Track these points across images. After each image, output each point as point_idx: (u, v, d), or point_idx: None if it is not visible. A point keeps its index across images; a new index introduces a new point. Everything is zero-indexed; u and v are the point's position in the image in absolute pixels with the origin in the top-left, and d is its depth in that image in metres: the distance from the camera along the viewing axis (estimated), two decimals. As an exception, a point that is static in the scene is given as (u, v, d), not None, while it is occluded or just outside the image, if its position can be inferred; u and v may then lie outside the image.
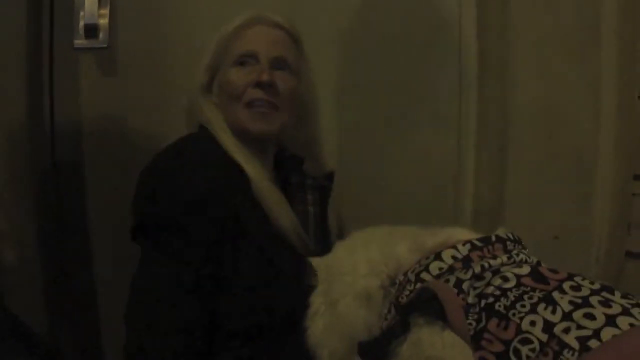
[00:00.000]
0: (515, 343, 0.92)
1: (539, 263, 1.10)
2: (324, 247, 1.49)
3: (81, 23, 2.01)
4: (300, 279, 1.41)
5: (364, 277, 1.18)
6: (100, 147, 2.07)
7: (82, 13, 2.00)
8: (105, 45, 2.02)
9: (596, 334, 0.88)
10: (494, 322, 0.96)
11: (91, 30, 1.99)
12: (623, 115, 2.07)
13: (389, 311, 1.13)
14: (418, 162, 2.11)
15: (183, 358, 1.33)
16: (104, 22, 2.01)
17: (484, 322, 0.97)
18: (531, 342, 0.91)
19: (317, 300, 1.25)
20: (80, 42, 2.02)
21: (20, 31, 2.01)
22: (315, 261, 1.30)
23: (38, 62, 2.02)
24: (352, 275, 1.20)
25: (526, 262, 1.08)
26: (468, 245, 1.10)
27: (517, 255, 1.10)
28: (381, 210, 2.05)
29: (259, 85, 1.50)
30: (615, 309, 0.91)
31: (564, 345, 0.88)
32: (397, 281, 1.14)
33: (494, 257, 1.07)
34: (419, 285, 1.09)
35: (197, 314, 1.36)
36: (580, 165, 2.14)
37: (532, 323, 0.92)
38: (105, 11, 2.01)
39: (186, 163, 1.42)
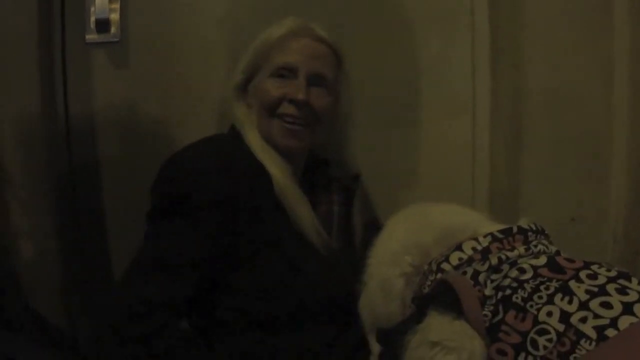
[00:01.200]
0: (532, 334, 0.92)
1: (557, 252, 1.10)
2: (348, 245, 1.50)
3: (92, 18, 2.00)
4: (318, 275, 1.44)
5: (385, 265, 1.22)
6: (114, 141, 2.08)
7: (92, 8, 2.00)
8: (116, 40, 2.02)
9: (613, 322, 0.88)
10: (511, 314, 0.96)
11: (102, 25, 1.99)
12: (636, 97, 2.06)
13: (413, 301, 1.15)
14: (432, 148, 2.11)
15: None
16: (114, 16, 2.01)
17: (501, 315, 0.97)
18: (548, 332, 0.91)
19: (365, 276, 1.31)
20: (91, 37, 2.02)
21: (31, 28, 2.01)
22: None
23: (50, 58, 2.02)
24: (378, 258, 1.26)
25: (544, 252, 1.08)
26: (489, 237, 1.10)
27: (536, 246, 1.10)
28: (397, 197, 2.05)
29: (293, 101, 1.50)
30: (632, 297, 0.91)
31: (581, 335, 0.88)
32: (423, 270, 1.16)
33: (512, 249, 1.08)
34: (439, 275, 1.09)
35: (174, 292, 1.35)
36: (595, 146, 2.13)
37: (549, 313, 0.93)
38: (116, 5, 2.01)
39: (211, 161, 1.43)
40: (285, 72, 1.53)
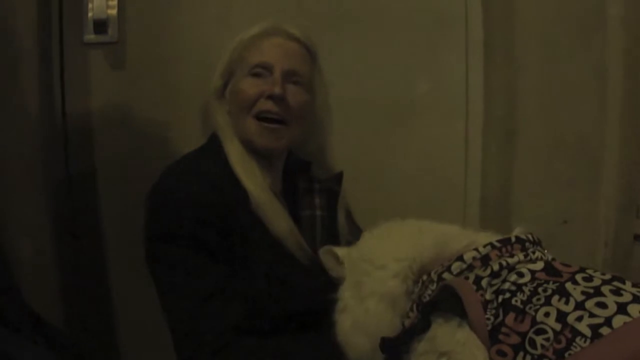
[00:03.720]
0: (530, 334, 0.94)
1: (553, 259, 1.13)
2: None
3: (90, 18, 2.01)
4: (295, 284, 1.46)
5: (392, 279, 1.20)
6: (110, 141, 2.09)
7: (91, 8, 2.01)
8: (114, 40, 2.03)
9: (607, 321, 0.90)
10: (511, 316, 0.99)
11: (100, 25, 2.00)
12: (629, 100, 2.08)
13: (412, 309, 1.15)
14: (425, 150, 2.12)
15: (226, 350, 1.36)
16: (112, 17, 2.02)
17: (501, 317, 0.99)
18: (545, 332, 0.93)
19: (346, 295, 1.27)
20: (89, 37, 2.03)
21: (30, 28, 2.02)
22: (342, 251, 1.32)
23: (48, 58, 2.03)
24: (383, 271, 1.22)
25: (541, 259, 1.10)
26: (488, 247, 1.12)
27: (534, 253, 1.12)
28: (389, 201, 2.06)
29: (270, 97, 1.51)
30: (626, 297, 0.93)
31: (576, 333, 0.90)
32: (421, 281, 1.17)
33: (512, 256, 1.10)
34: (440, 284, 1.11)
35: (235, 314, 1.40)
36: (588, 150, 2.15)
37: (547, 314, 0.95)
38: (114, 6, 2.02)
39: (189, 182, 1.45)
40: (261, 71, 1.54)
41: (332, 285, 1.30)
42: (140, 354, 2.11)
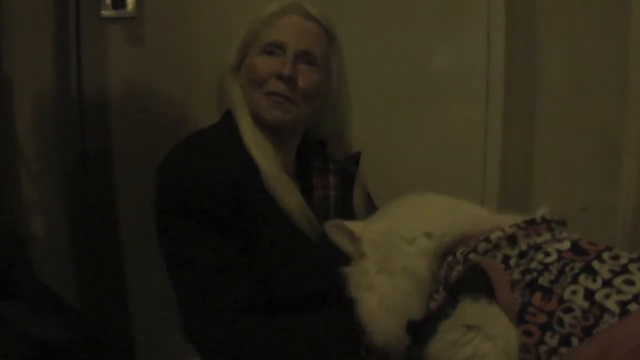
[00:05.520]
0: (558, 313, 0.93)
1: (579, 239, 1.11)
2: None
3: (108, -7, 2.01)
4: (305, 260, 1.45)
5: (422, 257, 1.18)
6: (126, 117, 2.08)
7: (109, -17, 2.00)
8: (132, 16, 2.02)
9: (635, 298, 0.89)
10: (537, 295, 0.97)
11: (118, 1, 1.99)
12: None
13: (437, 291, 1.13)
14: (444, 133, 2.11)
15: (239, 331, 1.36)
16: (130, -8, 2.01)
17: (528, 297, 0.98)
18: (573, 310, 0.92)
19: (371, 271, 1.23)
20: (107, 12, 2.02)
21: (47, 2, 2.01)
22: (356, 226, 1.29)
23: (65, 33, 2.02)
24: (413, 246, 1.19)
25: (567, 238, 1.08)
26: (514, 227, 1.10)
27: (560, 233, 1.10)
28: (407, 182, 2.05)
29: (280, 77, 1.50)
30: (654, 275, 0.92)
31: (604, 310, 0.89)
32: (446, 262, 1.14)
33: (539, 235, 1.08)
34: (468, 264, 1.09)
35: (246, 289, 1.39)
36: (608, 137, 2.13)
37: (574, 292, 0.93)
38: (132, -19, 2.01)
39: (200, 157, 1.44)
40: (274, 49, 1.52)
41: (343, 262, 1.29)
42: (153, 330, 2.11)
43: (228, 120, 1.56)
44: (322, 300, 1.42)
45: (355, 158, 1.71)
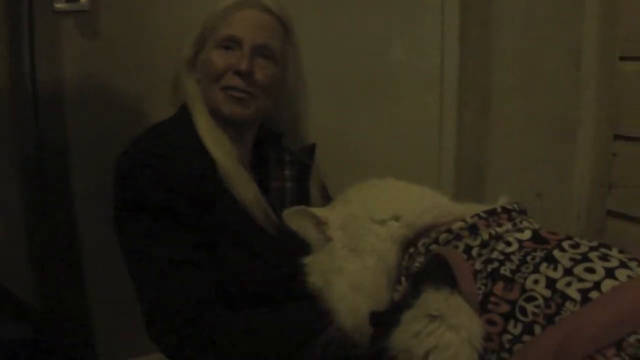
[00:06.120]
0: (520, 302, 0.94)
1: (540, 228, 1.12)
2: None
3: (61, -14, 1.97)
4: (263, 253, 1.45)
5: (389, 242, 1.18)
6: (82, 111, 2.05)
7: (62, -25, 1.96)
8: (86, 9, 1.98)
9: (596, 285, 0.90)
10: (499, 285, 0.98)
11: (72, -6, 1.96)
12: (604, 77, 2.10)
13: (400, 282, 1.14)
14: (400, 123, 2.12)
15: (198, 323, 1.35)
16: (84, -16, 1.98)
17: (490, 287, 0.99)
18: (535, 299, 0.93)
19: (340, 255, 1.22)
20: (60, 5, 1.98)
21: (-2, -5, 1.97)
22: (321, 211, 1.29)
23: (18, 26, 1.98)
24: (383, 228, 1.19)
25: (528, 228, 1.10)
26: (475, 217, 1.11)
27: (521, 222, 1.12)
28: (363, 172, 2.05)
29: (237, 73, 1.49)
30: (614, 263, 0.94)
31: (566, 298, 0.90)
32: (408, 253, 1.15)
33: (499, 225, 1.09)
34: (430, 254, 1.10)
35: (206, 283, 1.38)
36: (562, 125, 2.17)
37: (536, 281, 0.95)
38: (86, -27, 1.98)
39: (158, 151, 1.43)
40: (230, 44, 1.52)
41: (301, 253, 1.29)
42: (112, 325, 2.09)
43: (184, 114, 1.55)
44: (281, 292, 1.42)
45: (311, 149, 1.71)
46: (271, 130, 1.69)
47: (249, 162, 1.62)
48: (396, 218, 1.20)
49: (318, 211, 1.29)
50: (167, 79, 1.84)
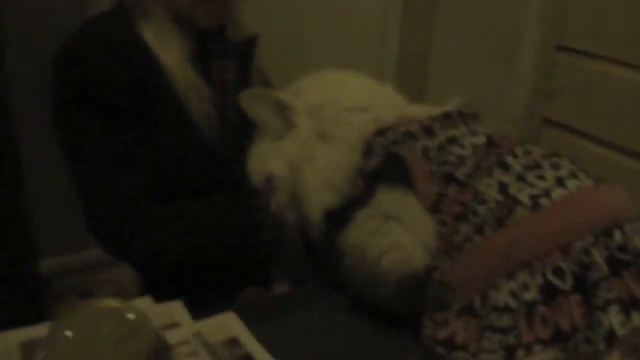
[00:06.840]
0: (472, 204, 0.97)
1: (492, 134, 1.14)
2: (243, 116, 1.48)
3: None
4: (205, 165, 1.43)
5: (359, 132, 1.16)
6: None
7: None
8: None
9: (547, 193, 0.94)
10: (453, 187, 1.00)
11: None
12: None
13: (355, 180, 1.13)
14: (344, 15, 2.10)
15: (133, 217, 1.35)
16: None
17: (444, 188, 1.01)
18: (487, 202, 0.96)
19: (311, 140, 1.20)
20: None
21: None
22: (286, 96, 1.25)
23: None
24: (354, 117, 1.17)
25: (482, 132, 1.12)
26: (432, 120, 1.12)
27: (475, 127, 1.13)
28: (305, 64, 2.05)
29: None
30: (565, 172, 0.97)
31: (517, 203, 0.94)
32: (362, 151, 1.14)
33: (456, 128, 1.10)
34: (387, 153, 1.10)
35: (142, 177, 1.37)
36: (506, 31, 2.18)
37: (489, 186, 0.97)
38: None
39: (98, 45, 1.37)
40: None
41: (242, 150, 1.29)
42: (54, 225, 2.08)
43: (123, 10, 1.49)
44: (221, 187, 1.43)
45: (253, 41, 1.68)
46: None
47: (191, 54, 1.58)
48: (364, 110, 1.18)
49: (283, 95, 1.25)
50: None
